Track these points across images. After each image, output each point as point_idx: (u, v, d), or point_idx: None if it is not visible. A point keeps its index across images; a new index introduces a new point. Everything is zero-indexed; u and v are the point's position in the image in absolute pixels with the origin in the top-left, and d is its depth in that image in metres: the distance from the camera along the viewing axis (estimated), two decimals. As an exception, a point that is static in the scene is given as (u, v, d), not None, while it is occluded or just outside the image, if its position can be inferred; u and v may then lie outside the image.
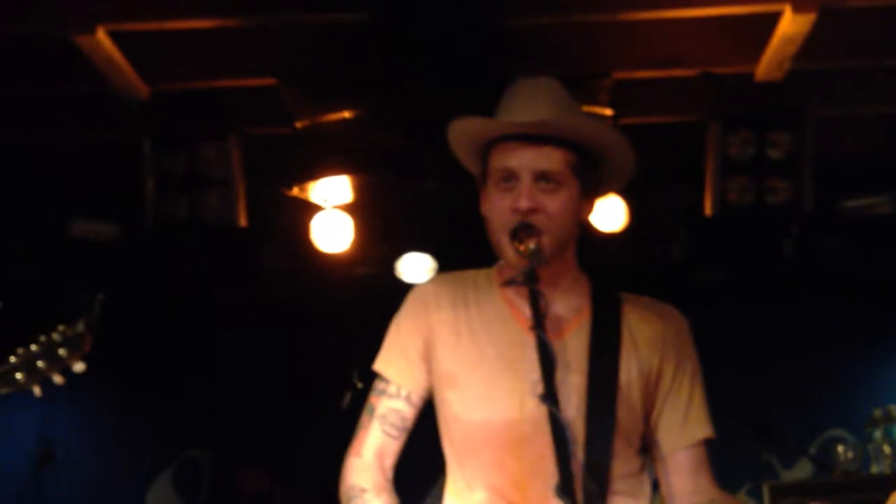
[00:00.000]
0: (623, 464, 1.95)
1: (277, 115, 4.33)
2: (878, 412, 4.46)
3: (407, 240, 4.90)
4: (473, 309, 2.05)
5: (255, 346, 5.61)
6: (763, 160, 4.29)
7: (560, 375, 1.92)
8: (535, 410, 1.90)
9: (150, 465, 5.94)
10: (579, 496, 1.85)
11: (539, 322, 1.64)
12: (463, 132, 2.02)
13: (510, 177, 1.96)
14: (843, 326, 5.44)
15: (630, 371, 1.98)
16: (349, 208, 4.75)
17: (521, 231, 1.90)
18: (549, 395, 1.55)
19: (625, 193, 4.61)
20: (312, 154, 4.46)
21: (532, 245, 1.86)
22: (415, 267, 5.00)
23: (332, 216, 4.78)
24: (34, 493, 5.54)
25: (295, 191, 4.51)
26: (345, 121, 4.35)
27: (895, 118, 4.29)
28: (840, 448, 4.22)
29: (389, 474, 2.06)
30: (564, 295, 2.04)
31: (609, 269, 4.86)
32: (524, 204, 1.92)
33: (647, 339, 2.01)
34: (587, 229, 4.65)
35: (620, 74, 4.02)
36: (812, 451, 4.48)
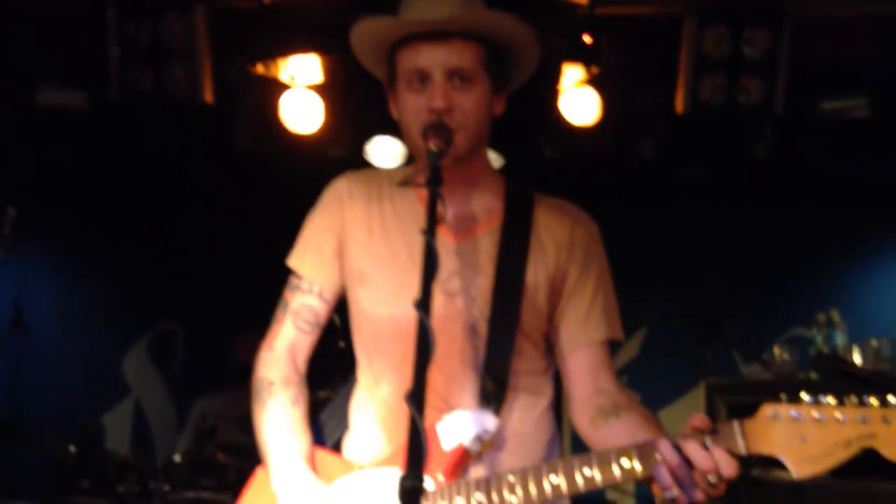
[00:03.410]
0: (527, 362, 1.97)
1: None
2: (821, 316, 4.48)
3: (378, 123, 4.83)
4: (387, 205, 2.03)
5: (226, 222, 5.59)
6: (738, 58, 4.19)
7: (467, 276, 1.93)
8: (442, 309, 1.90)
9: (125, 334, 6.03)
10: (476, 393, 1.90)
11: (431, 226, 1.61)
12: (367, 34, 1.94)
13: (422, 77, 1.90)
14: (817, 229, 5.44)
15: (537, 272, 1.97)
16: (319, 89, 4.67)
17: (430, 131, 1.85)
18: (423, 303, 1.53)
19: (599, 86, 4.52)
20: (280, 31, 4.36)
21: (432, 146, 1.81)
22: (384, 151, 4.95)
23: (301, 96, 4.70)
24: (8, 359, 5.63)
25: (260, 68, 4.41)
26: (314, -3, 4.23)
27: (875, 19, 4.16)
28: (776, 350, 4.25)
29: (301, 367, 2.07)
30: (480, 194, 2.02)
31: (582, 162, 4.88)
32: (438, 103, 1.87)
33: (556, 240, 2.00)
34: (559, 121, 4.65)
35: (595, -37, 3.89)
36: (776, 347, 4.51)
